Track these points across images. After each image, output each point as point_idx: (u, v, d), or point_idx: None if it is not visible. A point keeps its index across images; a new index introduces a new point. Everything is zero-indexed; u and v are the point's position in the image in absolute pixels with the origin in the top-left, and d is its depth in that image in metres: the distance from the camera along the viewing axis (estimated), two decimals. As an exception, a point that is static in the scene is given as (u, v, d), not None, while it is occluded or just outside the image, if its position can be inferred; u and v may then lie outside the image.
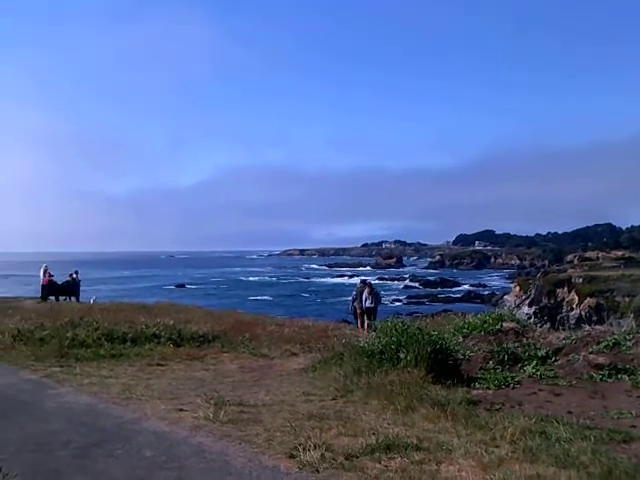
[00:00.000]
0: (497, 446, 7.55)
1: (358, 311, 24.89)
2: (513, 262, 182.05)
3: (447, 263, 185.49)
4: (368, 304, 24.22)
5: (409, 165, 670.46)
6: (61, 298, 34.79)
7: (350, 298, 26.43)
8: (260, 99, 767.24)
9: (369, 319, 23.60)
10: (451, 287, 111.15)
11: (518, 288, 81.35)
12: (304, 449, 7.32)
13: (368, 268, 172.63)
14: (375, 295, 24.59)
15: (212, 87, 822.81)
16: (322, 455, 7.14)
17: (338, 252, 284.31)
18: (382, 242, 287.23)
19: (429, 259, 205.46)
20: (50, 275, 34.94)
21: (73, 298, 34.93)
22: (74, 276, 35.77)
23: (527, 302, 73.78)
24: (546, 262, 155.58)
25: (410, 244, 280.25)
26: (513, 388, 11.44)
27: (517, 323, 15.44)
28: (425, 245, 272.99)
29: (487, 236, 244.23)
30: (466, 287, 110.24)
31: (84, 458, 7.38)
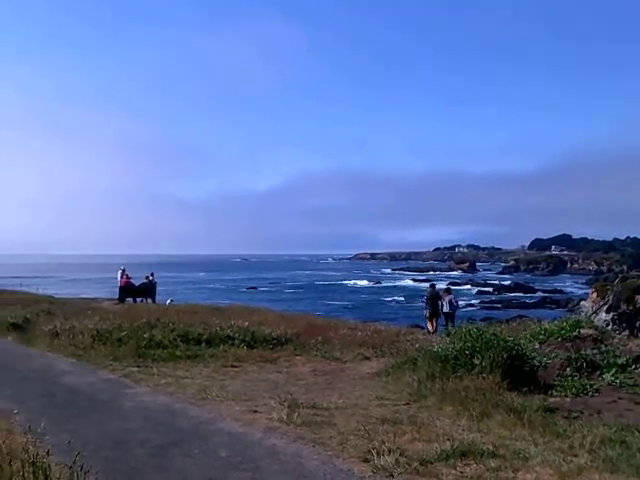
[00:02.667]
0: (576, 455, 7.40)
1: (427, 315, 25.30)
2: (590, 267, 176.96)
3: (522, 268, 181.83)
4: (445, 309, 24.72)
5: (485, 169, 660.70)
6: (138, 299, 35.48)
7: (422, 303, 26.65)
8: (337, 108, 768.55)
9: (446, 324, 24.13)
10: (526, 292, 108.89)
11: (595, 294, 78.92)
12: (378, 453, 7.30)
13: (458, 272, 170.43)
14: (450, 301, 25.05)
15: (290, 95, 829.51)
16: (396, 460, 7.10)
17: (410, 256, 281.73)
18: (455, 246, 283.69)
19: (503, 264, 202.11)
20: (128, 277, 35.68)
21: (149, 299, 35.55)
22: (150, 278, 36.43)
23: (605, 308, 71.53)
24: (625, 267, 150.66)
25: (484, 248, 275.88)
26: (592, 396, 11.13)
27: (595, 330, 15.04)
28: (499, 249, 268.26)
29: (564, 240, 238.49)
30: (541, 293, 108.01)
31: (161, 457, 7.52)
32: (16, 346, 19.20)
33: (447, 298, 25.25)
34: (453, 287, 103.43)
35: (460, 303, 29.21)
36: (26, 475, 5.14)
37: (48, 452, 5.95)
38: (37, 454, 5.67)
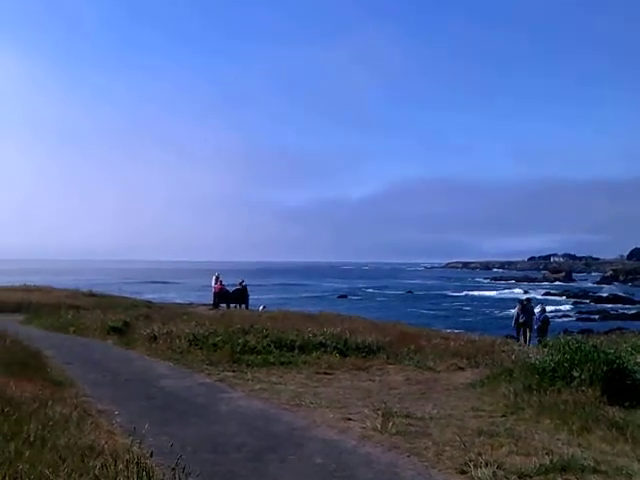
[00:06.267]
0: (684, 474, 7.09)
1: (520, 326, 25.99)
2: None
3: (620, 278, 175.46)
4: (520, 319, 25.75)
5: (586, 176, 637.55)
6: (231, 305, 36.03)
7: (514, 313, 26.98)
8: (437, 115, 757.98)
9: (523, 333, 25.60)
10: (625, 304, 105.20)
11: (700, 306, 75.98)
12: (475, 465, 7.19)
13: (554, 282, 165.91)
14: (527, 311, 25.86)
15: (390, 103, 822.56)
16: (494, 473, 6.98)
17: (503, 265, 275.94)
18: (550, 255, 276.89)
19: (601, 274, 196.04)
20: (222, 283, 36.31)
21: (243, 305, 36.06)
22: (243, 284, 36.93)
23: None
24: None
25: (580, 258, 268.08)
26: (699, 413, 10.65)
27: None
28: (597, 259, 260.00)
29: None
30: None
31: (257, 462, 7.61)
32: (116, 349, 19.83)
33: (524, 309, 25.97)
34: (549, 297, 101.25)
35: (556, 314, 28.99)
36: (130, 475, 5.28)
37: (151, 453, 6.12)
38: (140, 455, 5.84)
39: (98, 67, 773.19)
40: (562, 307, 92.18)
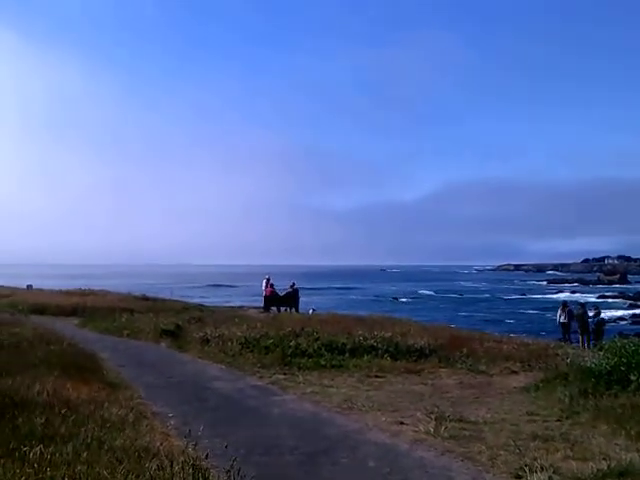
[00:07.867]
0: None
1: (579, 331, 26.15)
2: None
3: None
4: (562, 320, 26.60)
5: (639, 176, 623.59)
6: (282, 308, 36.08)
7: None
8: (489, 119, 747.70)
9: (563, 334, 26.71)
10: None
11: None
12: (530, 470, 7.12)
13: (608, 285, 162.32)
14: (568, 313, 26.56)
15: (439, 108, 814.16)
16: (549, 478, 6.93)
17: (556, 268, 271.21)
18: (604, 257, 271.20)
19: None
20: (272, 286, 36.41)
21: (293, 309, 36.07)
22: (295, 287, 36.92)
23: None
24: None
25: (635, 259, 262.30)
26: None
27: None
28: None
29: None
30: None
31: (310, 464, 7.63)
32: (169, 352, 20.09)
33: (565, 310, 26.70)
34: (603, 300, 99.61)
35: (611, 317, 28.73)
36: (186, 477, 5.34)
37: (207, 455, 6.17)
38: (196, 457, 5.90)
39: (146, 78, 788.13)
40: (617, 310, 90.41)
